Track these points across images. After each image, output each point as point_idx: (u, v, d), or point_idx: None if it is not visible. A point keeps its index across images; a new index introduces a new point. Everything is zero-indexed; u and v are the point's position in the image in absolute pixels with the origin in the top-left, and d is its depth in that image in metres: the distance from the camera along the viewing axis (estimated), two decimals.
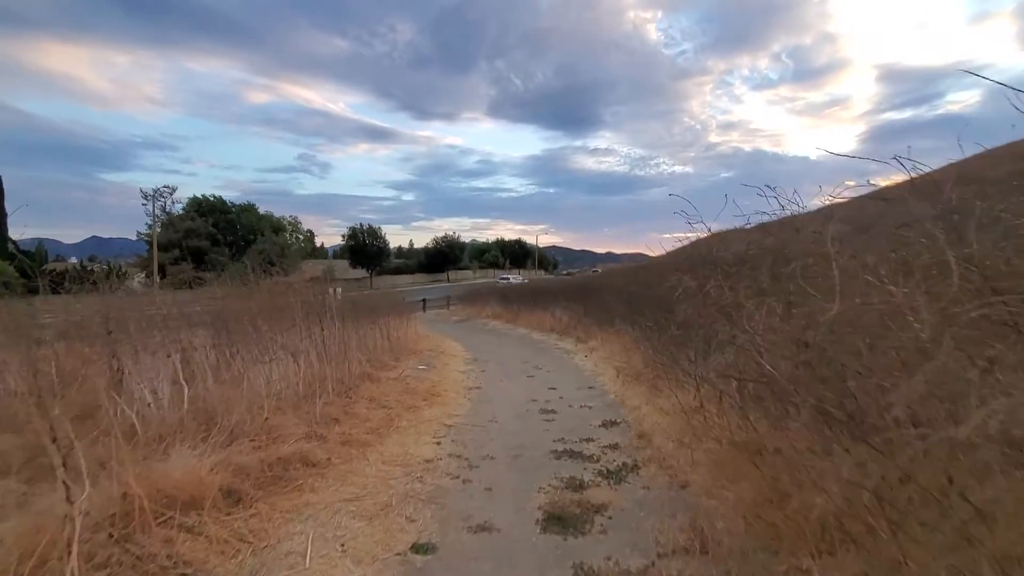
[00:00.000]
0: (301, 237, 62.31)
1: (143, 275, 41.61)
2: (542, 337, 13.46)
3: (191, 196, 47.18)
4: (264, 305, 6.12)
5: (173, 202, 45.43)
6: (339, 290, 20.44)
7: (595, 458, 4.19)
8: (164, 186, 44.01)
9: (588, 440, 4.67)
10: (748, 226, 4.98)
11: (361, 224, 49.38)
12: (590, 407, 5.95)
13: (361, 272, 50.42)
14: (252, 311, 5.90)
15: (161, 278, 40.12)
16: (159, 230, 45.42)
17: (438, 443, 4.62)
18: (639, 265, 15.05)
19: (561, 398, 6.44)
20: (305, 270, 49.76)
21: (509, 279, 44.69)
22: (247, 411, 4.30)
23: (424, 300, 26.50)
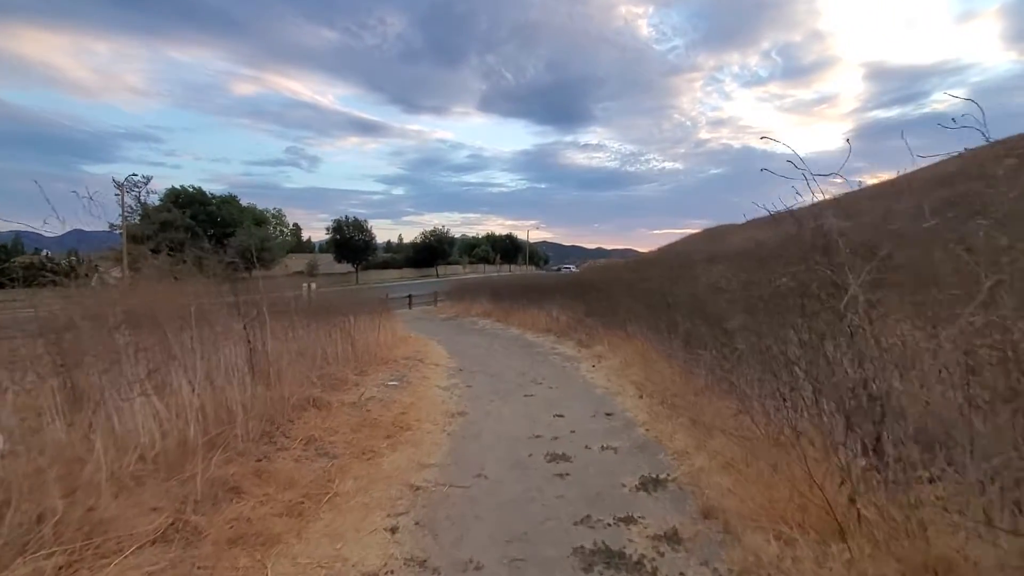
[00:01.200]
0: (286, 231, 59.95)
1: (116, 270, 39.31)
2: (538, 339, 11.78)
3: (169, 187, 44.85)
4: (164, 306, 4.37)
5: (148, 192, 43.04)
6: (314, 285, 18.63)
7: (647, 567, 2.51)
8: (132, 174, 41.48)
9: (627, 520, 2.98)
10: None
11: (346, 217, 47.17)
12: (615, 449, 4.27)
13: (347, 267, 48.34)
14: (143, 315, 4.16)
15: (135, 272, 37.87)
16: (137, 221, 43.25)
17: (393, 530, 2.89)
18: (653, 257, 13.44)
19: (573, 432, 4.75)
20: (288, 264, 47.59)
21: (572, 268, 45.98)
22: (73, 488, 2.56)
23: (410, 296, 24.70)
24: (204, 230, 44.40)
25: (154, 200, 44.37)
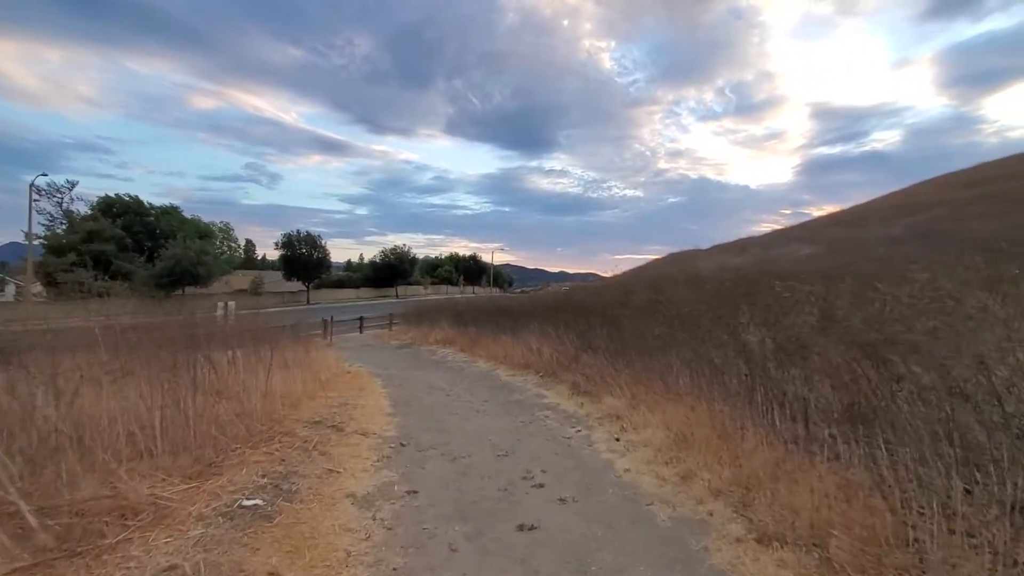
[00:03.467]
0: (235, 245, 54.65)
1: (37, 284, 33.68)
2: (515, 379, 8.61)
3: (102, 195, 39.50)
4: None
5: (72, 199, 37.70)
6: (232, 304, 14.67)
7: None
8: (42, 173, 36.33)
9: None
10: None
11: (298, 231, 42.65)
12: None
13: (298, 285, 43.75)
14: None
15: (52, 285, 32.42)
16: (60, 231, 37.88)
17: None
18: (674, 274, 10.62)
19: None
20: (233, 282, 42.62)
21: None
22: None
23: (361, 319, 21.06)
24: (139, 243, 39.35)
25: (82, 208, 38.97)
